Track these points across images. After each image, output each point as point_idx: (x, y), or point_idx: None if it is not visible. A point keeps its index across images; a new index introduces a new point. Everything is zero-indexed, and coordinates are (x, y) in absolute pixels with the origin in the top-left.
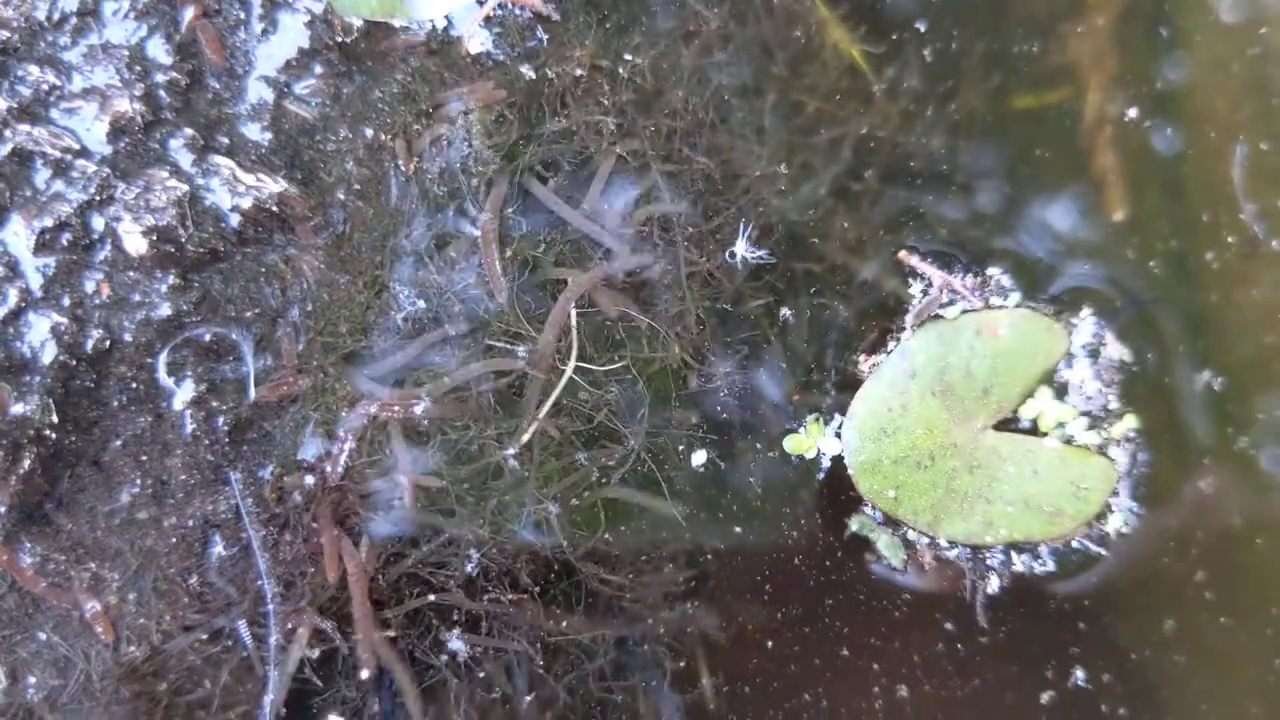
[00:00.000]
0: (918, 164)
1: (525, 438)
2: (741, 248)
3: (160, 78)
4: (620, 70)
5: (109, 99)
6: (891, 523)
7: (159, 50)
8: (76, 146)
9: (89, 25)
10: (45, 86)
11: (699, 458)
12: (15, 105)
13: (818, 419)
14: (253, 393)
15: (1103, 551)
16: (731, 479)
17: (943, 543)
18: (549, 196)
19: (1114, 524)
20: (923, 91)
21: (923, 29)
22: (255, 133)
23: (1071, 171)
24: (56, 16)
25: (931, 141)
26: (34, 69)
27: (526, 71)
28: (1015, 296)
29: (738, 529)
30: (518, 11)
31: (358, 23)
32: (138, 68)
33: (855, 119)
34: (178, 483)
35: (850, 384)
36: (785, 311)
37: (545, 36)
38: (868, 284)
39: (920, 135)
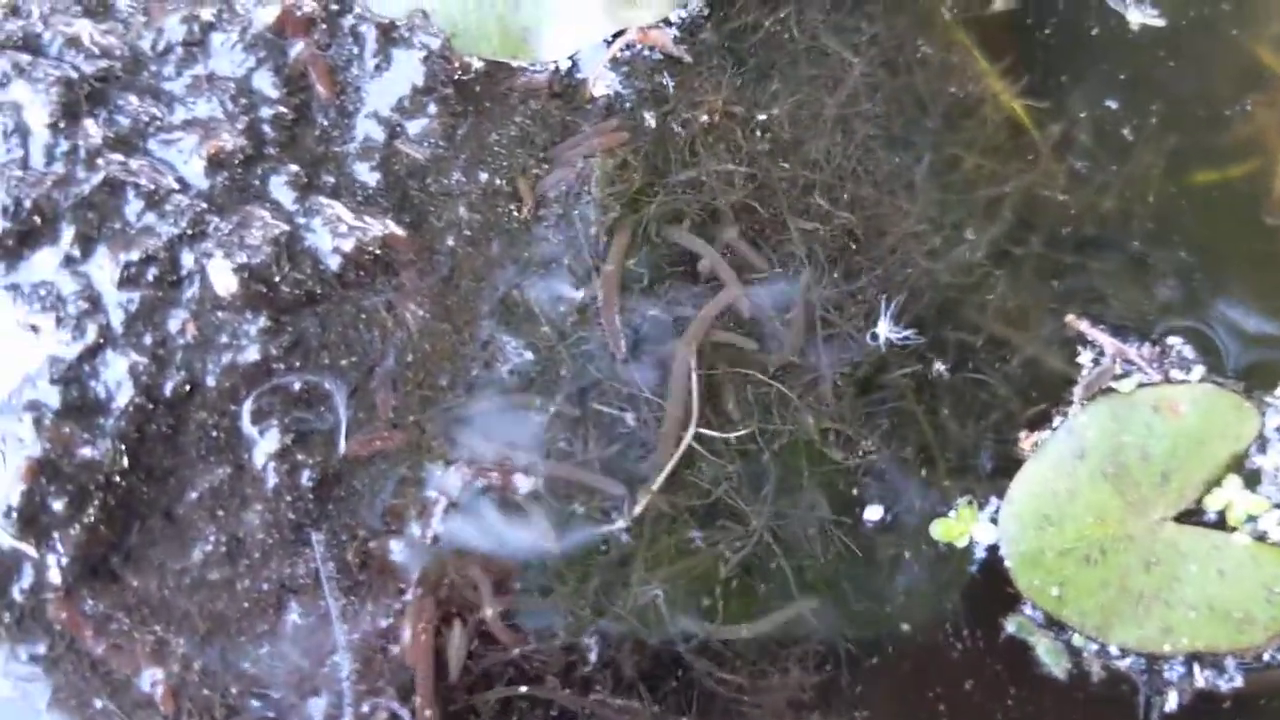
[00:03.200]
0: (1088, 229)
1: (638, 510)
2: (884, 328)
3: (266, 112)
4: (755, 117)
5: (211, 131)
6: (1054, 625)
7: (266, 83)
8: (172, 179)
9: (195, 56)
10: (145, 117)
11: (874, 512)
12: (111, 134)
13: (971, 502)
14: (343, 446)
15: None
16: (871, 570)
17: (1113, 650)
18: (686, 236)
19: None
20: (1094, 151)
21: (1091, 89)
22: (363, 172)
23: (1259, 249)
24: (162, 46)
25: (1103, 205)
26: (134, 99)
27: (653, 117)
28: (1199, 370)
29: (877, 628)
30: (647, 52)
31: (477, 63)
32: (243, 101)
33: (1017, 177)
34: (255, 541)
35: (1008, 466)
36: (935, 382)
37: (675, 80)
38: (1030, 359)
39: (1090, 198)
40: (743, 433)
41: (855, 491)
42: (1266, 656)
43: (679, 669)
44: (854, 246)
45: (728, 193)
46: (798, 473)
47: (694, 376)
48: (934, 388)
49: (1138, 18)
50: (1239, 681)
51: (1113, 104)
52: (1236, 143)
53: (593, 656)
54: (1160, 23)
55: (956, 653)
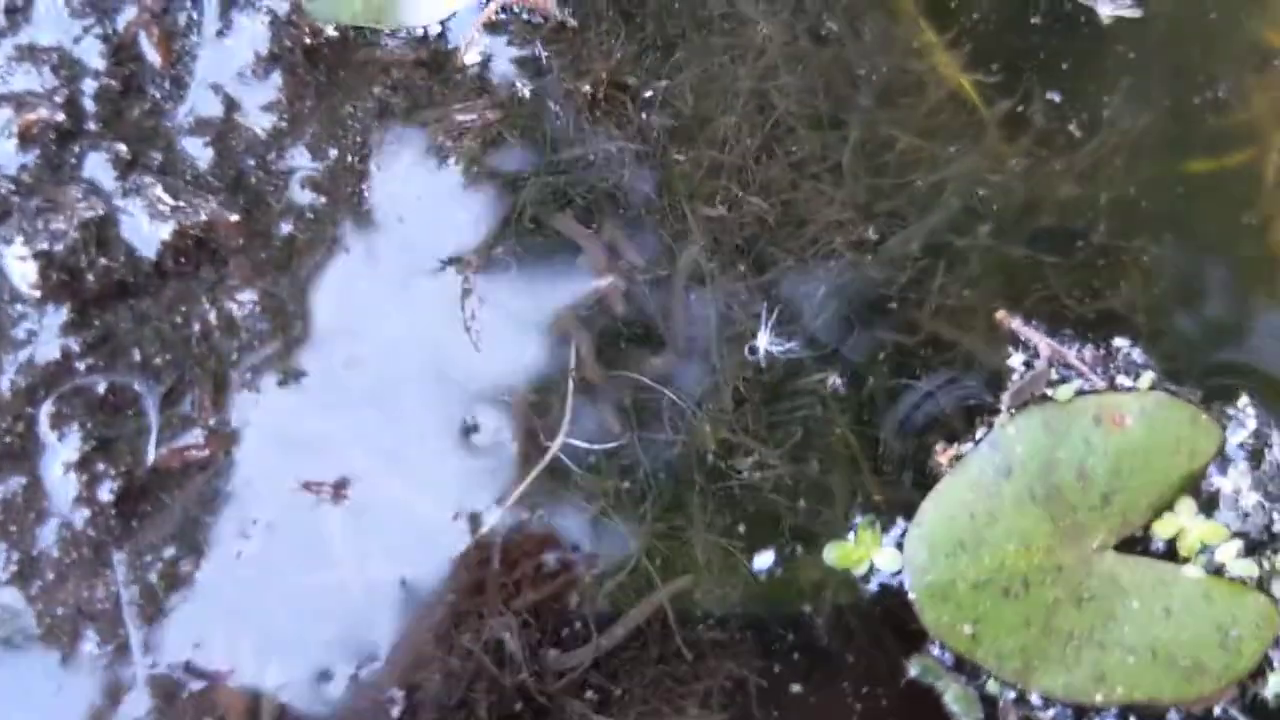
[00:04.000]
0: (1044, 218)
1: (489, 524)
2: (764, 340)
3: (90, 84)
4: (647, 92)
5: (25, 106)
6: (966, 668)
7: (92, 53)
8: None
9: (17, 24)
10: None
11: (764, 559)
12: None
13: (873, 523)
14: (152, 455)
15: None
16: (776, 601)
17: (1035, 699)
18: (570, 226)
19: (1275, 686)
20: (1051, 135)
21: (1049, 71)
22: (195, 149)
23: (1230, 240)
24: None
25: (1060, 191)
26: None
27: (533, 88)
28: (1149, 376)
29: (779, 664)
30: (526, 16)
31: (331, 30)
32: (64, 72)
33: (962, 159)
34: (49, 561)
35: (925, 483)
36: (852, 389)
37: (558, 47)
38: (974, 361)
39: (1047, 183)
40: (620, 443)
41: (753, 510)
42: (1217, 710)
43: (543, 712)
44: (767, 236)
45: (615, 174)
46: (689, 489)
47: (571, 378)
48: (850, 396)
49: (1108, 10)
50: None
51: (1065, 90)
52: (1227, 130)
53: (438, 697)
54: (1136, 13)
55: (850, 698)
